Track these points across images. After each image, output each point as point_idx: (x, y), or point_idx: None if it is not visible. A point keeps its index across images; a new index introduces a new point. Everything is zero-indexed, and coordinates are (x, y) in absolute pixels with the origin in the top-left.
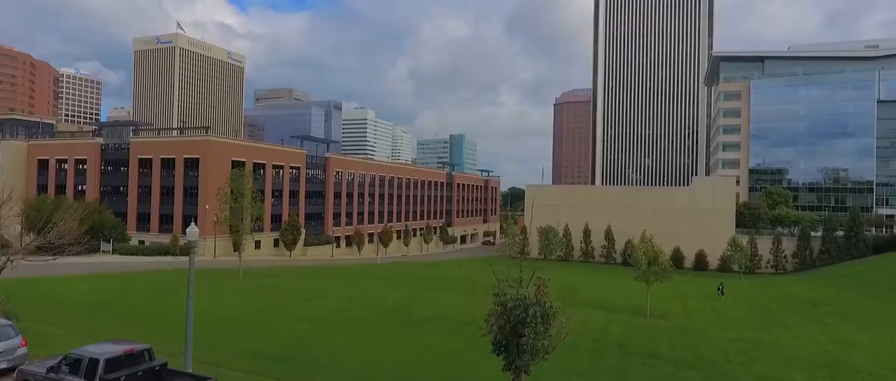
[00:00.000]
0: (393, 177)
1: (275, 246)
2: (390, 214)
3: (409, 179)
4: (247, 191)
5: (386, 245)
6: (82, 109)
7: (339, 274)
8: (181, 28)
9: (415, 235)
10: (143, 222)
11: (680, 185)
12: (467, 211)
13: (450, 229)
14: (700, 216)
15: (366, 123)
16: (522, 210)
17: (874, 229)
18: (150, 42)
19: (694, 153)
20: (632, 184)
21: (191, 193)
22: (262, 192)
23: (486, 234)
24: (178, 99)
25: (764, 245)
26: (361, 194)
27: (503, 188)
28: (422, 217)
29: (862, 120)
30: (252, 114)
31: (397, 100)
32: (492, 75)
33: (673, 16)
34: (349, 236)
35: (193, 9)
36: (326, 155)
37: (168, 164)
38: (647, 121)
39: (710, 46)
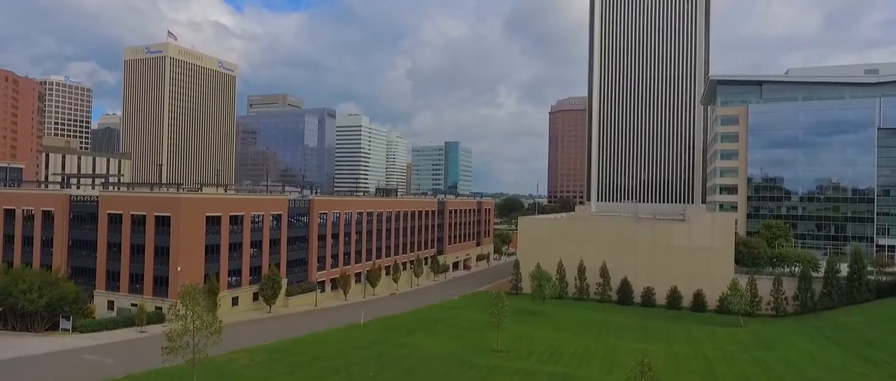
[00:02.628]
0: (381, 212)
1: (254, 300)
2: (379, 250)
3: (398, 212)
4: (201, 309)
5: (374, 286)
6: (72, 118)
7: (311, 360)
8: (173, 36)
9: (404, 268)
10: (112, 280)
11: (677, 201)
12: (460, 236)
13: (441, 258)
14: (698, 254)
15: (360, 130)
16: (516, 225)
17: (877, 270)
18: (141, 51)
19: (691, 167)
20: (627, 200)
21: (162, 252)
22: (240, 245)
23: (480, 257)
24: (169, 108)
25: (764, 286)
26: (348, 234)
27: (499, 190)
28: (412, 249)
29: (862, 147)
30: (246, 120)
31: (394, 100)
32: (490, 76)
33: (669, 22)
34: (335, 279)
35: (189, 8)
36: (310, 197)
37: (138, 221)
38: (643, 132)
39: (707, 50)
